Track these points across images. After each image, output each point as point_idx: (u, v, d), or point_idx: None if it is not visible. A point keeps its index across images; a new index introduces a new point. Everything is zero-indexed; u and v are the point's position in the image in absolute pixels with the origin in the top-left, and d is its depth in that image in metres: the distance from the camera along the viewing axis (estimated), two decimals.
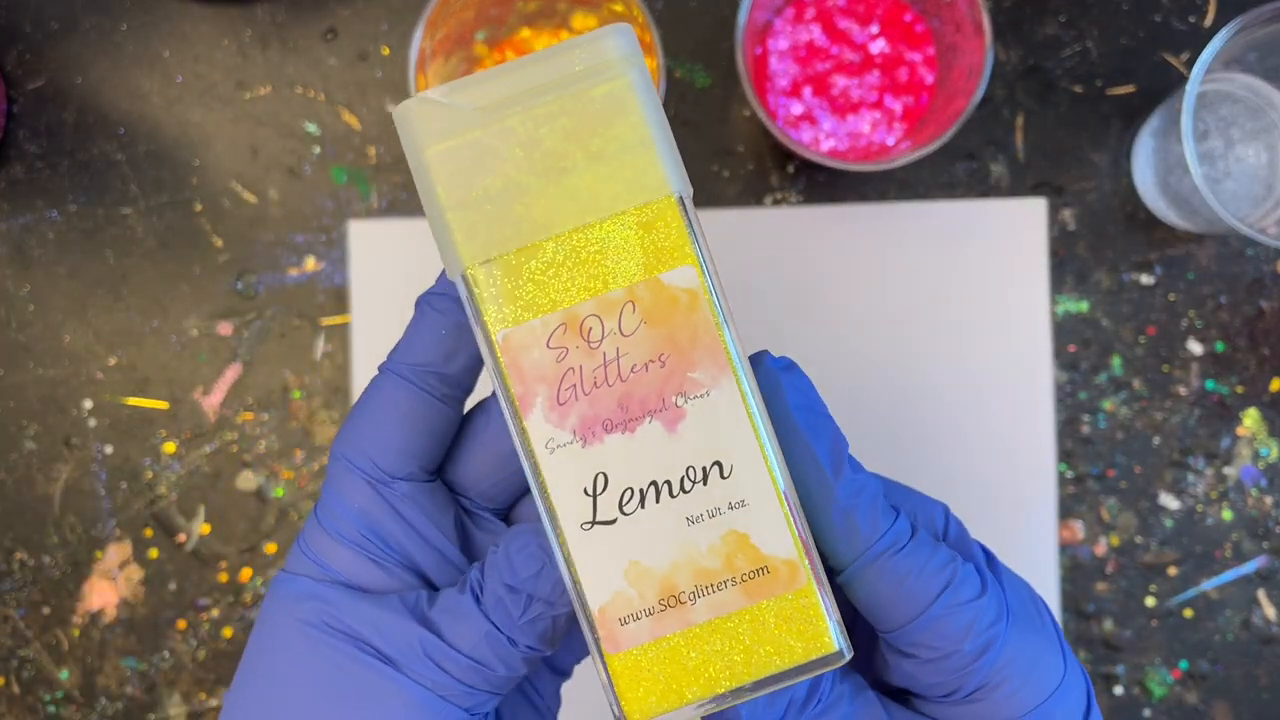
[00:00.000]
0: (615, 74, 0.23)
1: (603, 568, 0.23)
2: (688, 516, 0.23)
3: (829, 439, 0.25)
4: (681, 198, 0.24)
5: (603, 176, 0.24)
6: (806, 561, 0.23)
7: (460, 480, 0.28)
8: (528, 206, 0.24)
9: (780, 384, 0.25)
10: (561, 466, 0.23)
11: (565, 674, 0.31)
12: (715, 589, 0.23)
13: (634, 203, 0.24)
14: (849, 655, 0.24)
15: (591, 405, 0.23)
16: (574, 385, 0.23)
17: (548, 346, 0.24)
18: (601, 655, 0.24)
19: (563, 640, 0.28)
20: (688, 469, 0.23)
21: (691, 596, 0.23)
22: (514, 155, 0.24)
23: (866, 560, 0.25)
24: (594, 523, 0.23)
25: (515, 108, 0.24)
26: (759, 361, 0.25)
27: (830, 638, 0.23)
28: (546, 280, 0.24)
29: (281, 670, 0.26)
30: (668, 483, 0.23)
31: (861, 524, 0.24)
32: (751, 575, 0.23)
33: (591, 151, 0.23)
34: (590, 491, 0.23)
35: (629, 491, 0.23)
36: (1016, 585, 0.27)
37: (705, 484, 0.23)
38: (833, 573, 0.25)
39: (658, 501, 0.23)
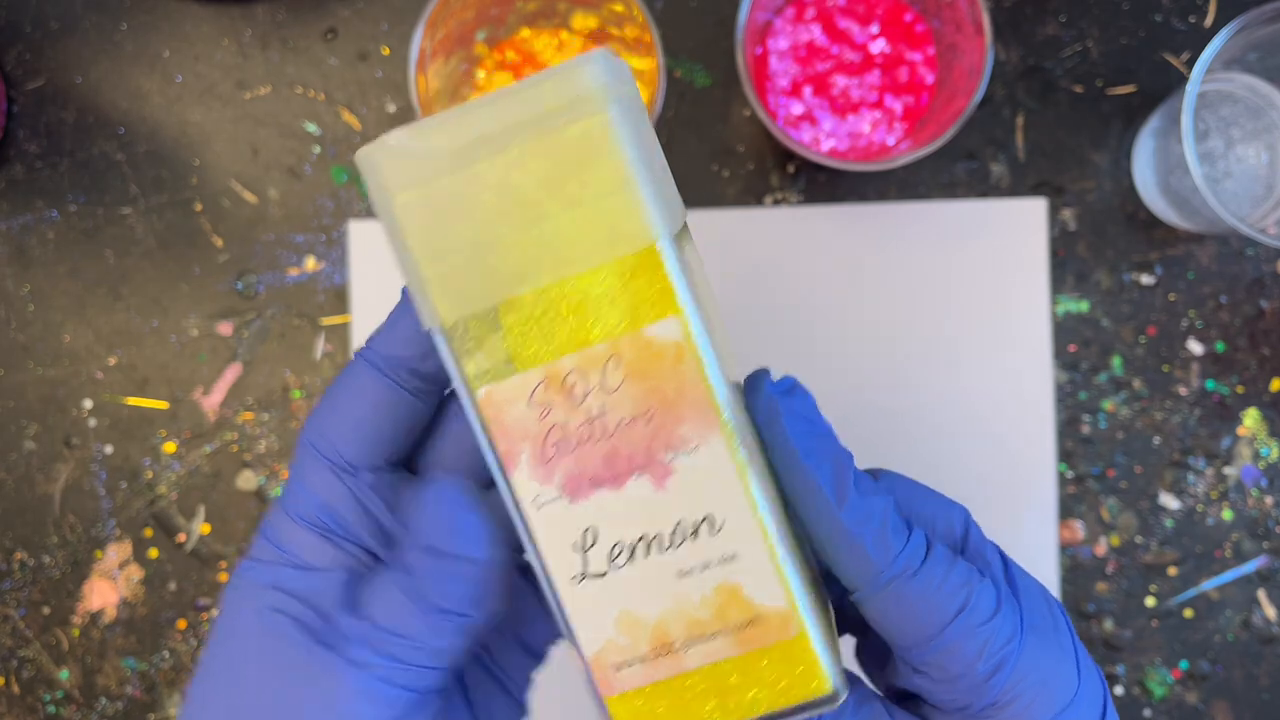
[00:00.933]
0: (590, 110, 0.21)
1: (595, 617, 0.23)
2: (678, 569, 0.23)
3: (831, 463, 0.24)
4: (665, 244, 0.22)
5: (581, 224, 0.22)
6: (799, 610, 0.23)
7: (430, 469, 0.28)
8: (503, 258, 0.22)
9: (778, 411, 0.24)
10: (550, 522, 0.23)
11: (538, 656, 0.30)
12: (707, 639, 0.23)
13: (614, 254, 0.22)
14: (844, 695, 0.24)
15: (578, 462, 0.23)
16: (559, 442, 0.23)
17: (530, 403, 0.23)
18: (599, 697, 0.24)
19: (520, 613, 0.28)
20: (677, 524, 0.23)
21: (683, 645, 0.23)
22: (486, 203, 0.22)
23: (878, 586, 0.24)
24: (584, 575, 0.23)
25: (484, 150, 0.22)
26: (756, 387, 0.24)
27: (825, 680, 0.23)
28: (526, 334, 0.23)
29: (238, 658, 0.26)
30: (657, 537, 0.23)
31: (870, 550, 0.24)
32: (743, 626, 0.23)
33: (568, 197, 0.22)
34: (580, 546, 0.23)
35: (618, 546, 0.23)
36: (1032, 594, 0.26)
37: (695, 538, 0.23)
38: (847, 592, 0.25)
39: (647, 555, 0.23)
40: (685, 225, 0.24)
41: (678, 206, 0.24)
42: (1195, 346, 0.49)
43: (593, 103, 0.21)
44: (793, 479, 0.24)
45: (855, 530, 0.24)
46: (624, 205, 0.22)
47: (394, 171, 0.22)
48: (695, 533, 0.23)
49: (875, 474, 0.27)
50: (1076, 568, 0.49)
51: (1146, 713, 0.49)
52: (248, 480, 0.50)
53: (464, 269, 0.22)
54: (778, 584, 0.23)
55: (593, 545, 0.23)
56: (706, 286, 0.25)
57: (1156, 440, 0.49)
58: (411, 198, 0.22)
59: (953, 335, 0.49)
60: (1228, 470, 0.49)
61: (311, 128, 0.50)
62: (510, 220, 0.22)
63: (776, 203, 0.50)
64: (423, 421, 0.27)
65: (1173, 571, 0.49)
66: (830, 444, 0.24)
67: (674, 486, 0.23)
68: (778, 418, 0.24)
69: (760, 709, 0.23)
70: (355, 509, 0.26)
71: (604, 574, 0.23)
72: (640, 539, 0.23)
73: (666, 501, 0.23)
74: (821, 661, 0.23)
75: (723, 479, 0.23)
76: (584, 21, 0.47)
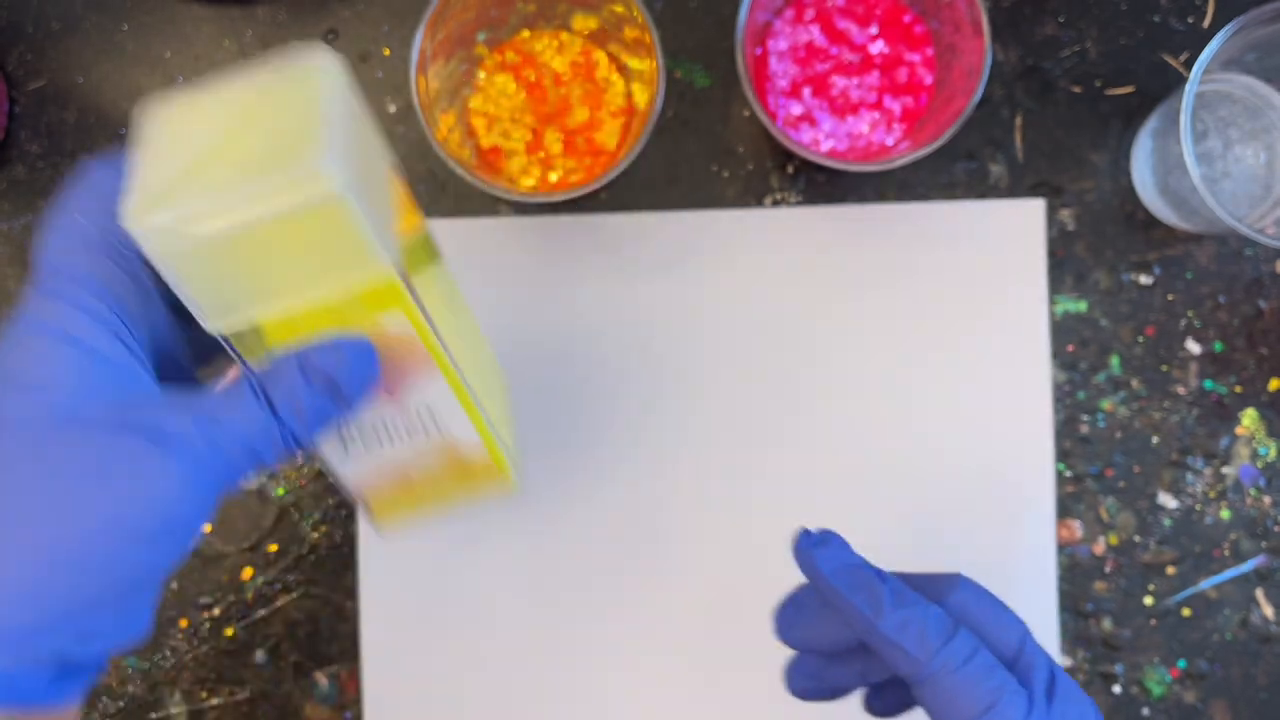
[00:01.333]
0: (325, 198, 0.26)
1: (360, 464, 0.33)
2: (415, 442, 0.33)
3: (865, 590, 0.31)
4: (400, 273, 0.28)
5: (329, 267, 0.28)
6: (497, 454, 0.34)
7: None
8: (260, 290, 0.28)
9: (814, 560, 0.32)
10: None
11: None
12: (435, 473, 0.34)
13: (359, 281, 0.28)
14: (518, 489, 0.36)
15: None
16: None
17: None
18: (360, 493, 0.34)
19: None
20: (416, 412, 0.32)
21: (418, 477, 0.34)
22: (247, 258, 0.27)
23: (921, 678, 0.30)
24: (352, 441, 0.33)
25: (237, 212, 0.26)
26: (796, 544, 0.33)
27: (512, 484, 0.36)
28: (287, 334, 0.29)
29: (28, 414, 0.27)
30: (400, 424, 0.32)
31: (910, 649, 0.30)
32: (458, 465, 0.34)
33: (312, 249, 0.27)
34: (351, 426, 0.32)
35: (376, 428, 0.32)
36: (1069, 713, 0.30)
37: (426, 430, 0.33)
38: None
39: (398, 436, 0.33)
40: (425, 238, 0.33)
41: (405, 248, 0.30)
42: (1194, 346, 0.49)
43: (329, 190, 0.26)
44: (839, 607, 0.31)
45: (894, 636, 0.30)
46: (362, 254, 0.28)
47: (166, 241, 0.26)
48: (426, 427, 0.33)
49: (953, 579, 0.32)
50: (1075, 567, 0.49)
51: (1145, 711, 0.49)
52: (249, 480, 0.50)
53: (232, 294, 0.28)
54: (481, 447, 0.34)
55: (358, 426, 0.32)
56: (438, 281, 0.34)
57: (1155, 440, 0.49)
58: (174, 248, 0.26)
59: (951, 335, 0.49)
60: (1226, 470, 0.49)
61: None
62: (270, 267, 0.27)
63: (776, 203, 0.50)
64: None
65: (1171, 571, 0.49)
66: (863, 574, 0.31)
67: (412, 403, 0.32)
68: (814, 564, 0.32)
69: (464, 499, 0.36)
70: (135, 288, 0.28)
71: (364, 443, 0.33)
72: (393, 426, 0.32)
73: (408, 407, 0.32)
74: (511, 475, 0.35)
75: (446, 399, 0.32)
76: (584, 23, 0.47)
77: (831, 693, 0.35)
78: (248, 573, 0.50)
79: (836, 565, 0.32)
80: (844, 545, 0.33)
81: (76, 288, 0.27)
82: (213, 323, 0.28)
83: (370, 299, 0.28)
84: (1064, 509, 0.49)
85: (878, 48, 0.47)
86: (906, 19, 0.47)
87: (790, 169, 0.50)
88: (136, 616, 0.29)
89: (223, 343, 0.29)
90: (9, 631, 0.26)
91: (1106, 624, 0.49)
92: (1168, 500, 0.49)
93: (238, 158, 0.26)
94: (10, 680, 0.27)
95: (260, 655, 0.50)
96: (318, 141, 0.26)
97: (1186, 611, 0.49)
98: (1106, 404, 0.49)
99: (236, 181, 0.26)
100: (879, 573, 0.32)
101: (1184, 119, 0.42)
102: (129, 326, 0.28)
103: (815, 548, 0.32)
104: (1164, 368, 0.49)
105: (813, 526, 0.34)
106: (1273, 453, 0.49)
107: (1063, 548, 0.49)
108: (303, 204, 0.26)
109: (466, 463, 0.34)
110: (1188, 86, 0.42)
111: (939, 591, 0.32)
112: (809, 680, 0.35)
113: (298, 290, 0.28)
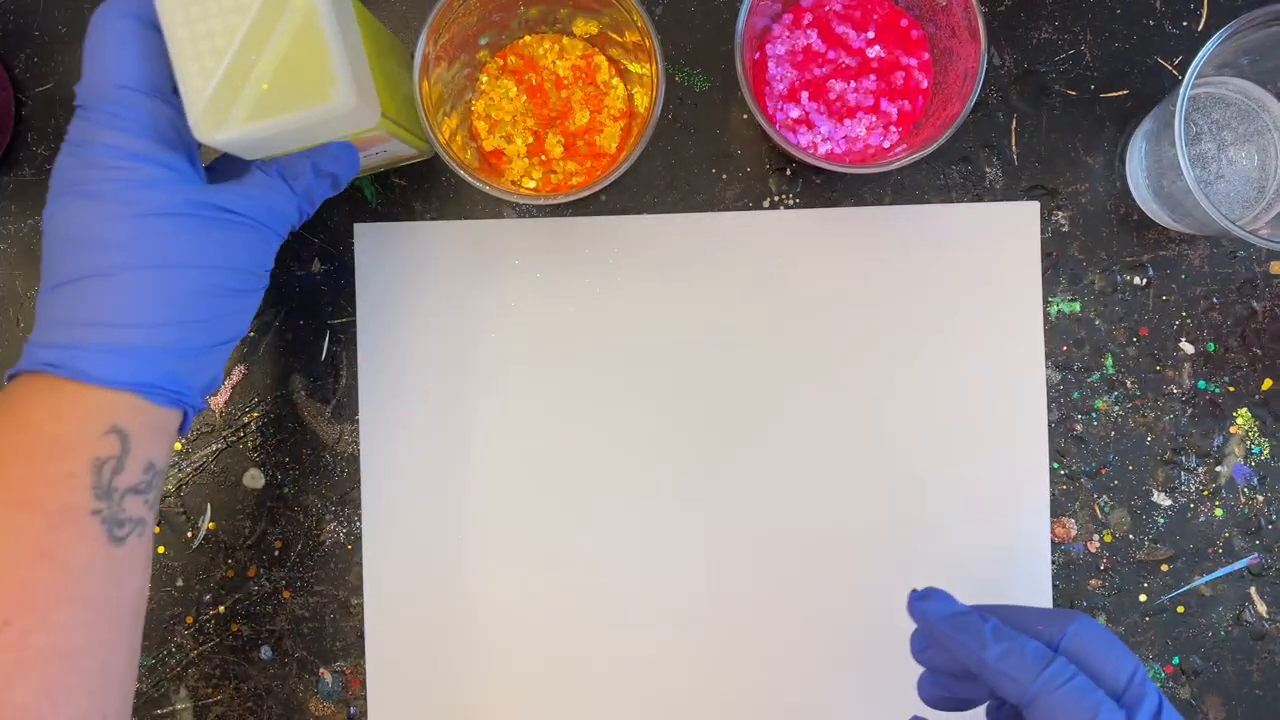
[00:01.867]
0: (331, 83, 0.37)
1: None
2: (367, 160, 0.45)
3: (970, 630, 0.37)
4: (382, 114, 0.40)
5: (342, 129, 0.40)
6: (420, 145, 0.46)
7: None
8: (293, 144, 0.40)
9: (922, 611, 0.38)
10: None
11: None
12: (372, 162, 0.46)
13: (359, 129, 0.40)
14: (431, 151, 0.47)
15: None
16: None
17: None
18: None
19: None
20: (375, 152, 0.44)
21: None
22: (285, 135, 0.38)
23: (1027, 699, 0.35)
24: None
25: (282, 123, 0.37)
26: (909, 600, 0.39)
27: (427, 150, 0.48)
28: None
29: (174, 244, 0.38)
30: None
31: (1013, 673, 0.35)
32: (391, 159, 0.47)
33: (332, 125, 0.39)
34: None
35: None
36: None
37: (378, 156, 0.45)
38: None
39: None
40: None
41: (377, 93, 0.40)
42: (1187, 346, 0.50)
43: (350, 107, 0.38)
44: (948, 647, 0.37)
45: (998, 664, 0.36)
46: (364, 122, 0.40)
47: (225, 140, 0.38)
48: (379, 156, 0.45)
49: (1070, 614, 0.37)
50: (1069, 564, 0.50)
51: None
52: (254, 479, 0.51)
53: (263, 149, 0.39)
54: (414, 151, 0.47)
55: None
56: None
57: (1149, 439, 0.50)
58: (232, 142, 0.38)
59: (947, 336, 0.50)
60: (1219, 469, 0.50)
61: None
62: (297, 136, 0.39)
63: (774, 205, 0.50)
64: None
65: (1165, 568, 0.50)
66: (966, 619, 0.37)
67: (375, 150, 0.44)
68: (924, 615, 0.38)
69: (389, 165, 0.49)
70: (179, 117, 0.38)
71: None
72: None
73: (370, 152, 0.44)
74: (426, 147, 0.47)
75: (399, 146, 0.44)
76: (585, 27, 0.47)
77: (959, 704, 0.40)
78: (252, 570, 0.51)
79: (943, 614, 0.38)
80: (948, 597, 0.39)
81: (138, 122, 0.37)
82: (248, 158, 0.39)
83: (363, 132, 0.41)
84: (1058, 507, 0.50)
85: (875, 52, 0.48)
86: (903, 24, 0.48)
87: (788, 172, 0.50)
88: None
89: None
90: (193, 348, 0.38)
91: (1101, 621, 0.50)
92: (1161, 499, 0.50)
93: (272, 78, 0.37)
94: (187, 393, 0.39)
95: (265, 651, 0.51)
96: (335, 78, 0.37)
97: (1180, 609, 0.50)
98: (1101, 403, 0.50)
99: (280, 109, 0.37)
100: (981, 615, 0.37)
101: (1178, 122, 0.42)
102: (181, 141, 0.38)
103: (922, 601, 0.39)
104: (1158, 368, 0.50)
105: (919, 585, 0.40)
106: (1266, 451, 0.50)
107: (1057, 545, 0.50)
108: (329, 112, 0.37)
109: (398, 157, 0.47)
110: (1181, 89, 0.42)
111: (1057, 624, 0.36)
112: (938, 689, 0.40)
113: (314, 139, 0.40)
